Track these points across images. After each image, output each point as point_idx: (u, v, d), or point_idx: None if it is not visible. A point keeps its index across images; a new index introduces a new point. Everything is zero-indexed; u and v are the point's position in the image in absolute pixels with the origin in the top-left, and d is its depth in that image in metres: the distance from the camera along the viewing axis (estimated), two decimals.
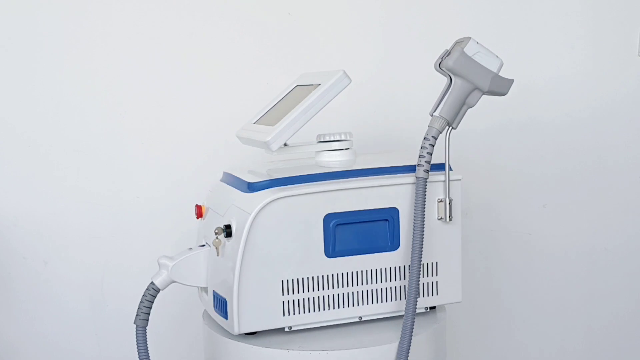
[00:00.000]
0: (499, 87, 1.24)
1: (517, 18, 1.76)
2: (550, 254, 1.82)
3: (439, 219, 1.26)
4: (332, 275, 1.20)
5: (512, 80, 1.24)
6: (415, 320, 1.18)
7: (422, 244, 1.19)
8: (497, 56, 1.24)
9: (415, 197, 1.19)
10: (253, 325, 1.18)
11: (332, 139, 1.31)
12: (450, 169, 1.26)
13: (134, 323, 1.26)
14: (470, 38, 1.24)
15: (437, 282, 1.28)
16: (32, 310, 1.82)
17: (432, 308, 1.32)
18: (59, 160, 1.79)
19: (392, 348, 1.17)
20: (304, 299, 1.20)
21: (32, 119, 1.77)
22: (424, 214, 1.19)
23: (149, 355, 1.27)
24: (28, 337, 1.83)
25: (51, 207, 1.79)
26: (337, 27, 1.79)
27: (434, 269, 1.27)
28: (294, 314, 1.20)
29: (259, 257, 1.16)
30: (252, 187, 1.20)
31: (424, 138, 1.21)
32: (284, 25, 1.79)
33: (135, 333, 1.27)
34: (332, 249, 1.20)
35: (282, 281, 1.18)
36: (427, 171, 1.20)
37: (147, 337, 1.26)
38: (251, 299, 1.17)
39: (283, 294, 1.18)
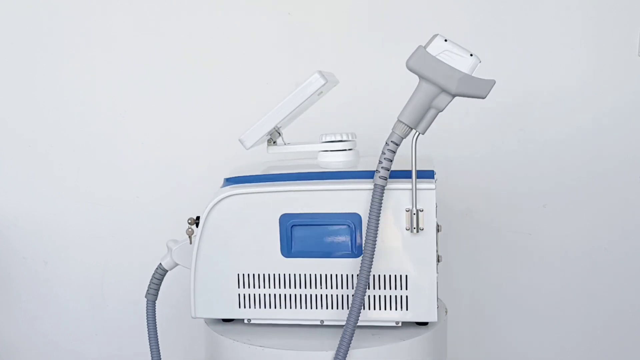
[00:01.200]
0: (473, 88, 1.12)
1: (517, 18, 1.76)
2: (550, 254, 1.82)
3: (407, 230, 1.17)
4: (289, 275, 1.21)
5: (491, 81, 1.13)
6: (354, 333, 1.14)
7: (373, 255, 1.13)
8: (470, 55, 1.14)
9: (371, 204, 1.12)
10: (209, 312, 1.25)
11: (331, 139, 1.30)
12: (431, 177, 1.18)
13: (145, 297, 1.38)
14: (437, 35, 1.14)
15: (406, 296, 1.19)
16: (32, 310, 1.82)
17: (424, 324, 1.23)
18: (59, 161, 1.79)
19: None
20: (260, 295, 1.22)
21: (32, 120, 1.77)
22: (378, 223, 1.12)
23: (157, 327, 1.39)
24: (28, 336, 1.83)
25: (51, 207, 1.79)
26: (337, 27, 1.79)
27: (404, 282, 1.18)
28: (250, 307, 1.23)
29: (216, 249, 1.22)
30: (225, 183, 1.26)
31: (385, 143, 1.13)
32: (284, 25, 1.79)
33: (145, 306, 1.40)
34: (288, 249, 1.20)
35: (239, 274, 1.22)
36: (384, 178, 1.12)
37: (155, 310, 1.39)
38: (207, 287, 1.23)
39: (239, 287, 1.22)
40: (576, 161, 1.78)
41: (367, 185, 1.16)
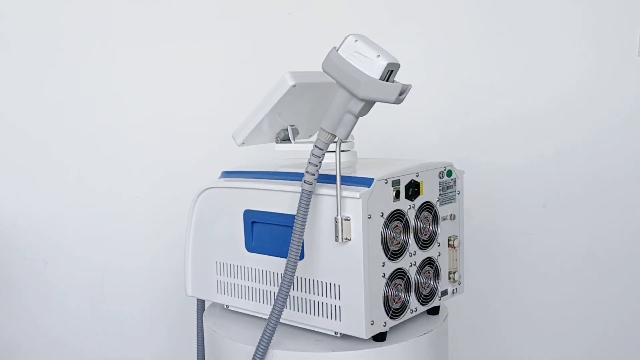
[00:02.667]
0: (379, 93, 1.03)
1: (517, 18, 1.76)
2: (550, 254, 1.82)
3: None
4: (251, 269, 1.24)
5: (399, 86, 1.04)
6: (272, 337, 1.12)
7: (297, 259, 1.09)
8: (378, 56, 1.04)
9: (297, 209, 1.09)
10: (197, 293, 1.34)
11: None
12: (367, 184, 1.10)
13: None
14: (349, 35, 1.07)
15: (339, 306, 1.13)
16: (32, 309, 1.82)
17: (380, 339, 1.15)
18: (59, 161, 1.79)
19: (391, 349, 1.16)
20: (232, 284, 1.28)
21: (32, 119, 1.77)
22: (303, 228, 1.08)
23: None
24: (28, 336, 1.83)
25: (51, 206, 1.79)
26: (337, 27, 1.79)
27: (337, 291, 1.13)
28: (226, 294, 1.29)
29: (200, 235, 1.31)
30: (220, 176, 1.33)
31: (312, 149, 1.09)
32: (284, 25, 1.79)
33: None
34: (249, 245, 1.24)
35: (216, 262, 1.29)
36: (309, 183, 1.08)
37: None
38: (196, 271, 1.33)
39: (216, 274, 1.30)
40: (576, 161, 1.78)
41: (322, 189, 1.12)
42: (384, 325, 1.14)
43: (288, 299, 1.17)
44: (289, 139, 1.30)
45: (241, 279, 1.26)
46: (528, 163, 1.79)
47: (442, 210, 1.24)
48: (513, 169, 1.80)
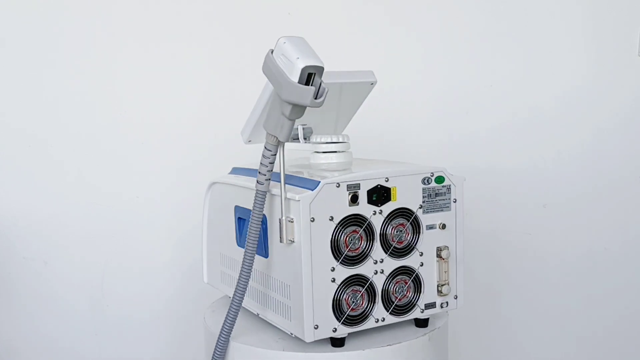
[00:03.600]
0: (296, 96, 1.02)
1: (517, 18, 1.76)
2: (550, 254, 1.82)
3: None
4: (239, 262, 1.23)
5: (312, 89, 1.02)
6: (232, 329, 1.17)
7: (253, 256, 1.12)
8: (305, 59, 1.02)
9: (252, 207, 1.11)
10: (211, 282, 1.43)
11: (320, 140, 1.26)
12: (308, 186, 1.10)
13: None
14: (280, 37, 1.06)
15: (290, 307, 1.14)
16: (32, 310, 1.82)
17: (338, 344, 1.15)
18: (59, 161, 1.79)
19: (391, 350, 1.17)
20: (230, 275, 1.33)
21: (32, 119, 1.77)
22: (258, 227, 1.11)
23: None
24: (28, 336, 1.83)
25: (51, 207, 1.79)
26: (337, 27, 1.79)
27: (288, 291, 1.14)
28: (227, 285, 1.35)
29: (211, 226, 1.40)
30: (230, 172, 1.40)
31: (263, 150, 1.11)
32: (284, 25, 1.79)
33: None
34: (238, 239, 1.29)
35: (220, 253, 1.36)
36: (260, 183, 1.10)
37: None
38: (209, 259, 1.42)
39: (220, 264, 1.36)
40: (576, 161, 1.78)
41: (275, 189, 1.14)
42: (334, 331, 1.12)
43: (262, 296, 1.23)
44: (298, 139, 1.30)
45: (235, 271, 1.29)
46: (528, 163, 1.79)
47: (428, 219, 1.18)
48: (513, 169, 1.80)
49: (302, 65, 1.02)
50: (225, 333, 1.18)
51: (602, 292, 1.82)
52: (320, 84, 1.04)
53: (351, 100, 1.30)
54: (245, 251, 1.14)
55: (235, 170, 1.37)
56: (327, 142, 1.24)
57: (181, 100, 1.80)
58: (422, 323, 1.24)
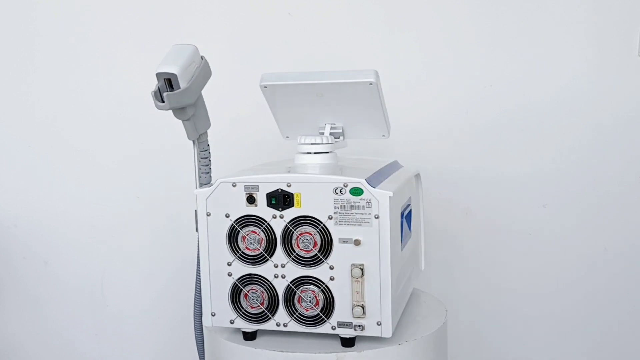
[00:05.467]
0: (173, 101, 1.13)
1: (517, 18, 1.76)
2: (550, 254, 1.82)
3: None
4: None
5: (153, 94, 1.10)
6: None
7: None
8: (159, 66, 1.10)
9: None
10: None
11: (304, 141, 1.25)
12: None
13: None
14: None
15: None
16: (32, 310, 1.82)
17: (250, 337, 1.19)
18: (59, 161, 1.79)
19: (391, 350, 1.17)
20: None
21: (32, 120, 1.77)
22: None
23: None
24: (28, 336, 1.83)
25: (51, 207, 1.79)
26: (337, 27, 1.79)
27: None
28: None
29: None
30: None
31: None
32: (284, 25, 1.79)
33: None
34: None
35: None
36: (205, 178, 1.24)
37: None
38: None
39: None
40: (576, 161, 1.78)
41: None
42: (231, 323, 1.17)
43: None
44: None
45: None
46: (528, 163, 1.79)
47: (340, 231, 1.11)
48: (513, 168, 1.80)
49: (156, 72, 1.10)
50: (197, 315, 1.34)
51: (602, 292, 1.82)
52: (165, 89, 1.11)
53: (364, 100, 1.28)
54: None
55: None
56: (302, 143, 1.25)
57: None
58: (347, 342, 1.14)
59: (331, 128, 1.30)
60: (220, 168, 1.46)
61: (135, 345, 1.87)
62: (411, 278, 1.36)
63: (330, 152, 1.26)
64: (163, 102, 1.10)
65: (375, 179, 1.14)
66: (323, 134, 1.29)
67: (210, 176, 1.28)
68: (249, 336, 1.18)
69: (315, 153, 1.24)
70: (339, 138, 1.31)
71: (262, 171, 1.18)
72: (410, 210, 1.31)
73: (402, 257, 1.23)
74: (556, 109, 1.77)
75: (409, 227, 1.31)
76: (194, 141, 1.22)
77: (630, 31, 1.72)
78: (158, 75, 1.10)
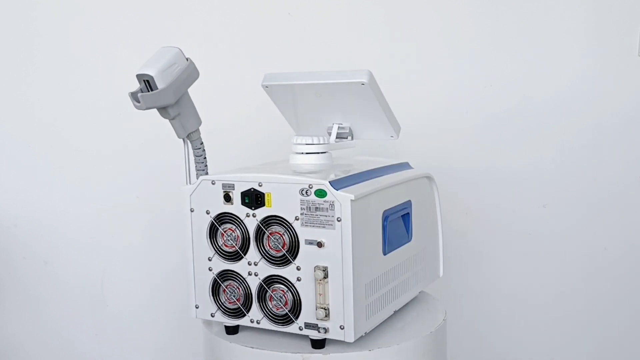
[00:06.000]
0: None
1: (517, 17, 1.76)
2: (550, 254, 1.82)
3: None
4: None
5: (129, 95, 1.15)
6: None
7: None
8: (141, 68, 1.15)
9: None
10: None
11: (300, 142, 1.25)
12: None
13: None
14: None
15: None
16: (32, 310, 1.83)
17: (231, 332, 1.23)
18: (59, 161, 1.79)
19: (390, 350, 1.17)
20: None
21: (32, 120, 1.77)
22: None
23: None
24: (28, 336, 1.83)
25: (51, 207, 1.79)
26: (337, 27, 1.79)
27: None
28: None
29: None
30: None
31: None
32: (284, 25, 1.79)
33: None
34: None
35: None
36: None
37: None
38: None
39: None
40: (576, 161, 1.78)
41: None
42: (212, 316, 1.21)
43: None
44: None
45: None
46: (528, 163, 1.79)
47: (307, 233, 1.11)
48: (513, 169, 1.80)
49: (135, 73, 1.14)
50: None
51: (602, 292, 1.82)
52: (146, 90, 1.15)
53: (360, 100, 1.27)
54: None
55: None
56: (295, 144, 1.25)
57: None
58: (316, 344, 1.14)
59: (339, 128, 1.31)
60: (222, 167, 1.45)
61: (135, 345, 1.87)
62: (416, 283, 1.34)
63: (324, 152, 1.26)
64: (139, 102, 1.14)
65: (343, 181, 1.12)
66: (330, 134, 1.30)
67: (207, 173, 1.29)
68: (231, 330, 1.22)
69: (307, 153, 1.25)
70: (346, 138, 1.32)
71: (240, 170, 1.20)
72: (409, 214, 1.29)
73: (387, 262, 1.20)
74: (556, 109, 1.77)
75: (407, 230, 1.29)
76: (184, 139, 1.26)
77: (630, 31, 1.72)
78: (137, 76, 1.14)
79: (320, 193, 1.08)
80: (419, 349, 1.20)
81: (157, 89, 1.15)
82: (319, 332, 1.12)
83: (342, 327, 1.10)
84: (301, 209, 1.10)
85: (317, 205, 1.09)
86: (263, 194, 1.13)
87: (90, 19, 1.76)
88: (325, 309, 1.10)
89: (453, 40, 1.78)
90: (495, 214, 1.82)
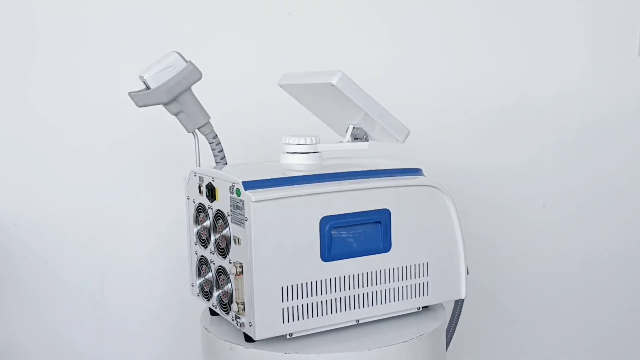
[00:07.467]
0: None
1: (517, 17, 1.76)
2: (550, 254, 1.82)
3: None
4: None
5: (141, 94, 1.26)
6: None
7: None
8: (150, 70, 1.28)
9: None
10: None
11: (292, 142, 1.26)
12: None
13: None
14: None
15: None
16: (32, 310, 1.82)
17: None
18: (59, 161, 1.79)
19: (390, 350, 1.17)
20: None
21: (32, 120, 1.77)
22: None
23: None
24: (28, 336, 1.83)
25: (51, 207, 1.79)
26: (337, 27, 1.79)
27: None
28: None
29: None
30: None
31: None
32: (284, 25, 1.79)
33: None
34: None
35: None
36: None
37: None
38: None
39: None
40: (576, 161, 1.78)
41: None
42: (197, 296, 1.30)
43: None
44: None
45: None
46: (528, 163, 1.79)
47: (233, 229, 1.15)
48: (513, 168, 1.80)
49: (143, 77, 1.29)
50: None
51: (602, 291, 1.82)
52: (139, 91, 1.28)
53: (335, 101, 1.27)
54: None
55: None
56: (285, 143, 1.27)
57: None
58: (247, 336, 1.15)
59: (353, 129, 1.35)
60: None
61: (135, 345, 1.87)
62: (403, 296, 1.26)
63: (313, 152, 1.26)
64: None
65: (262, 183, 1.12)
66: (345, 135, 1.35)
67: (226, 163, 1.36)
68: (213, 312, 1.30)
69: (294, 153, 1.26)
70: (360, 139, 1.35)
71: (217, 166, 1.31)
72: (382, 223, 1.20)
73: (330, 269, 1.16)
74: (556, 109, 1.77)
75: (381, 241, 1.21)
76: (193, 134, 1.33)
77: (630, 31, 1.73)
78: (139, 78, 1.30)
79: (237, 192, 1.13)
80: (419, 349, 1.20)
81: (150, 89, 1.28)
82: (237, 325, 1.16)
83: (250, 324, 1.12)
84: (230, 205, 1.16)
85: (237, 203, 1.13)
86: (215, 188, 1.20)
87: (91, 19, 1.76)
88: (241, 304, 1.14)
89: (453, 40, 1.78)
90: (495, 213, 1.82)
